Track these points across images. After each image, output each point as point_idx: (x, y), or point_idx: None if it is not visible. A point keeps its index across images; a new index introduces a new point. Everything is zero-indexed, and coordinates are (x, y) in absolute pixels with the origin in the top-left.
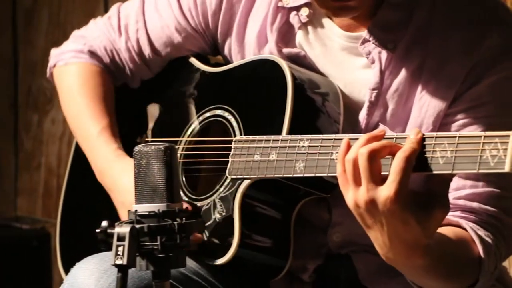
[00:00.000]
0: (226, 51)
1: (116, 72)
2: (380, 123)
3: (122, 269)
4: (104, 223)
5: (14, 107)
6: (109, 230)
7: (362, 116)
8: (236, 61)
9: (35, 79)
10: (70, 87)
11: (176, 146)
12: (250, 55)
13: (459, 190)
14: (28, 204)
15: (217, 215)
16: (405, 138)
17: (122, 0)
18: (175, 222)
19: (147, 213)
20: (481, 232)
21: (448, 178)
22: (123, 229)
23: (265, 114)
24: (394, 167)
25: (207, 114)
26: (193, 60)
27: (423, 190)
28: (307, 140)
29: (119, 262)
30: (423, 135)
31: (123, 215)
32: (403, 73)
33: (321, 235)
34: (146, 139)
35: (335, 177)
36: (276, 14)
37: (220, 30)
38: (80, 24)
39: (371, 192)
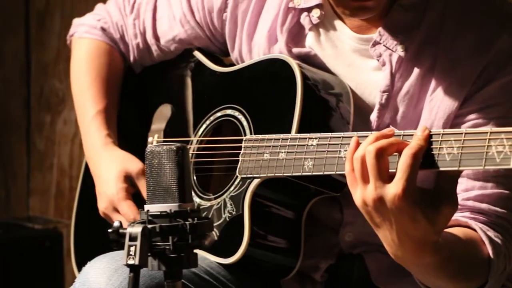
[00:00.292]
0: (236, 51)
1: (124, 49)
2: (390, 126)
3: (134, 269)
4: (116, 223)
5: (27, 108)
6: (121, 230)
7: (373, 118)
8: (246, 61)
9: (48, 80)
10: (78, 64)
11: (188, 146)
12: (260, 55)
13: (468, 191)
14: (40, 204)
15: (228, 214)
16: (412, 135)
17: None
18: (187, 222)
19: (159, 213)
20: (491, 233)
21: (456, 174)
22: (135, 229)
23: (275, 113)
24: (401, 164)
25: (218, 114)
26: (204, 60)
27: (431, 186)
28: (316, 138)
29: (131, 262)
30: (430, 132)
31: (100, 205)
32: (414, 75)
33: (333, 235)
34: (158, 139)
35: (344, 176)
36: (286, 14)
37: (228, 28)
38: None
39: (379, 189)
